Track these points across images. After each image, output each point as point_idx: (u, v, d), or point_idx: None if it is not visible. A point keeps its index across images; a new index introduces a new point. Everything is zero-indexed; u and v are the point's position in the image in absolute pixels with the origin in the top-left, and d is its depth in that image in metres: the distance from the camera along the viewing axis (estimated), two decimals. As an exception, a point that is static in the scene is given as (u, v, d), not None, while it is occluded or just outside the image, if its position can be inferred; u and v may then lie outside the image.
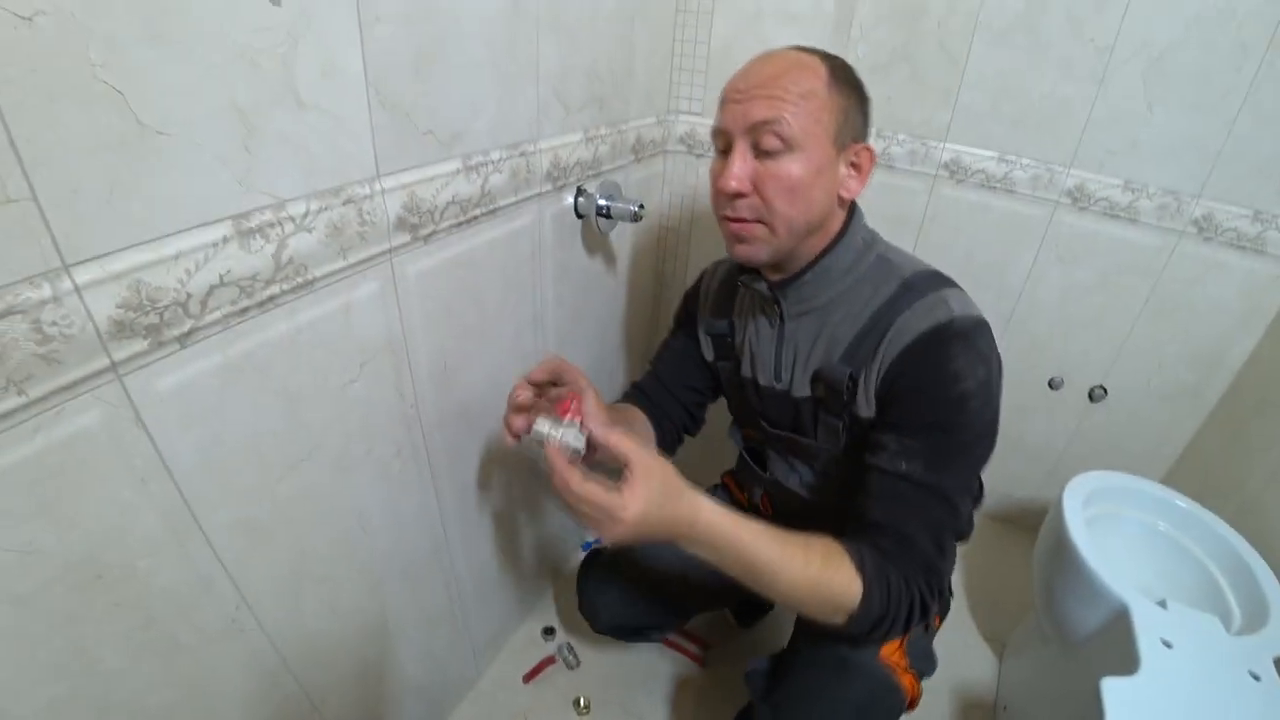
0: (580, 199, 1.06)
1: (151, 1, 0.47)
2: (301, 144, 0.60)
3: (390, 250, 0.73)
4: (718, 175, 0.76)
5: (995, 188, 1.38)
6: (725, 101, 0.76)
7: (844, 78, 0.74)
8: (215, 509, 0.63)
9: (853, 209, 0.82)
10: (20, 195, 0.44)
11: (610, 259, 1.27)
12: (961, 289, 0.78)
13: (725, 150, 0.77)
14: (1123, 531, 1.19)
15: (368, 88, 0.65)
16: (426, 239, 0.78)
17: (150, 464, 0.57)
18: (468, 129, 0.79)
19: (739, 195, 0.74)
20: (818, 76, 0.72)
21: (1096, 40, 1.20)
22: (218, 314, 0.58)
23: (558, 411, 0.72)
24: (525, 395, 0.78)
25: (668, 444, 1.05)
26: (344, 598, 0.85)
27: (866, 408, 0.78)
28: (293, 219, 0.61)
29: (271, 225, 0.59)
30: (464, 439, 1.00)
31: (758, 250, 0.77)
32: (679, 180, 1.42)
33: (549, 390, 0.81)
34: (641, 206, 1.07)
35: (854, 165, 0.77)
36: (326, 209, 0.64)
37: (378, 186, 0.69)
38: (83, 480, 0.53)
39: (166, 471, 0.58)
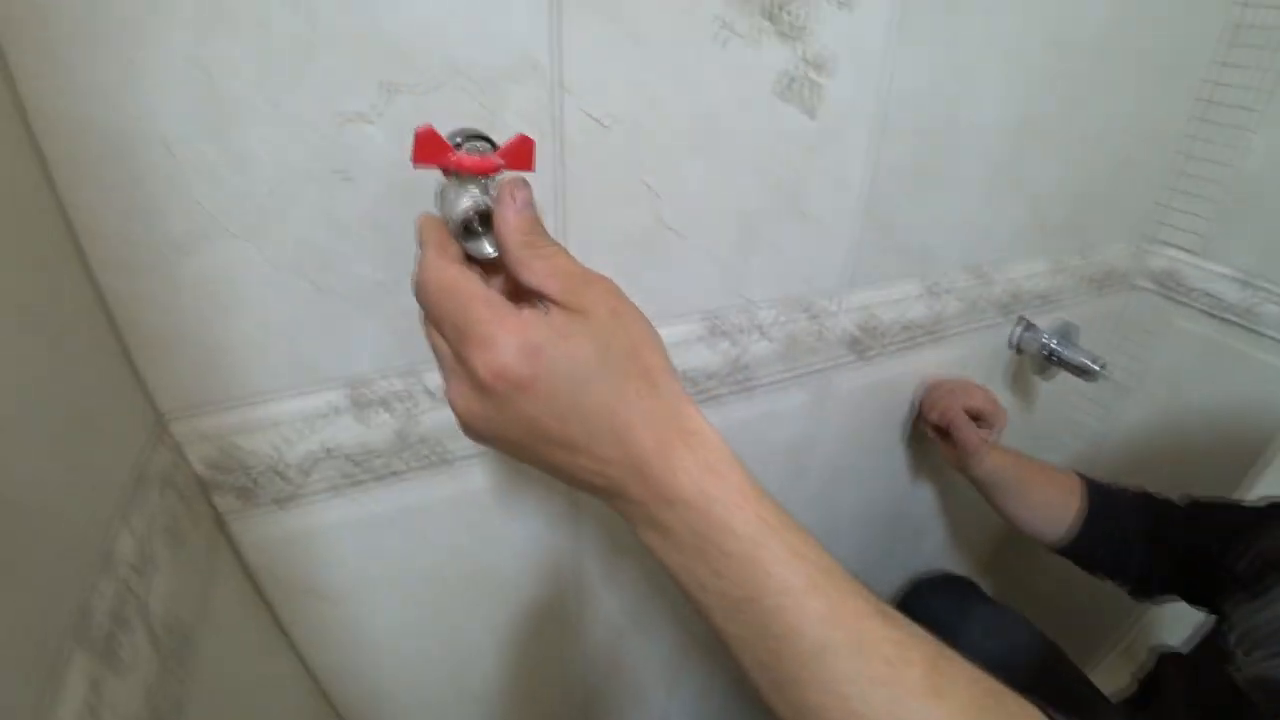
0: (1024, 332, 0.92)
1: (704, 116, 0.50)
2: (788, 253, 0.59)
3: (831, 365, 0.69)
4: None
5: None
6: None
7: None
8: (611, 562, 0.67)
9: None
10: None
11: (1029, 404, 1.08)
12: None
13: None
14: None
15: (863, 202, 0.61)
16: (867, 357, 0.72)
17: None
18: (939, 249, 0.72)
19: None
20: None
21: None
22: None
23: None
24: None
25: (1090, 554, 0.81)
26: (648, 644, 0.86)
27: None
28: (759, 325, 0.60)
29: (740, 330, 0.59)
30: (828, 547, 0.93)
31: None
32: (1137, 327, 1.16)
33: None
34: (1102, 366, 0.88)
35: None
36: (790, 320, 0.62)
37: (842, 303, 0.65)
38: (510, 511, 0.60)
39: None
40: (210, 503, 0.48)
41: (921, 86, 0.59)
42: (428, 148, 0.33)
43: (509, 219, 0.31)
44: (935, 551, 1.13)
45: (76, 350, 0.36)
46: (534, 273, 0.30)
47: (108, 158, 0.35)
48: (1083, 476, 0.85)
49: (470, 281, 0.30)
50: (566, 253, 0.32)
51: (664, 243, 0.53)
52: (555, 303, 0.30)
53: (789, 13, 0.49)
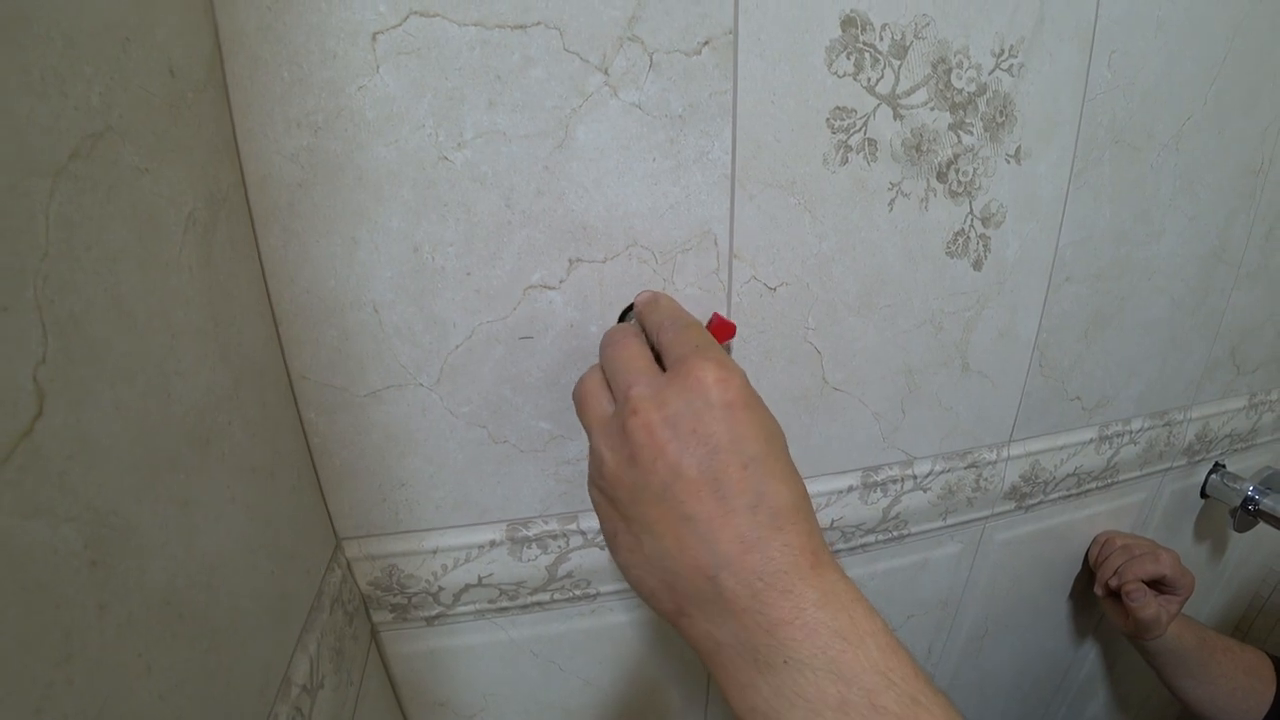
0: (1219, 479, 0.82)
1: (870, 276, 0.49)
2: (950, 406, 0.56)
3: (990, 516, 0.64)
4: None
5: None
6: None
7: None
8: None
9: None
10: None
11: (1218, 555, 0.95)
12: None
13: None
14: None
15: (1032, 352, 0.58)
16: (1027, 508, 0.66)
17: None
18: (1116, 396, 0.66)
19: None
20: None
21: None
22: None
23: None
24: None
25: None
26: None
27: None
28: (914, 477, 0.57)
29: (894, 481, 0.56)
30: (972, 708, 0.84)
31: None
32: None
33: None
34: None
35: None
36: (948, 471, 0.58)
37: (1005, 453, 0.61)
38: (644, 650, 0.57)
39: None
40: (369, 617, 0.51)
41: (1097, 232, 0.56)
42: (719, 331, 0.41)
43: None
44: (1101, 719, 1.00)
45: (287, 484, 0.40)
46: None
47: (325, 316, 0.40)
48: (1274, 658, 0.74)
49: (651, 358, 0.33)
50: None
51: (825, 400, 0.52)
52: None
53: (958, 171, 0.48)
